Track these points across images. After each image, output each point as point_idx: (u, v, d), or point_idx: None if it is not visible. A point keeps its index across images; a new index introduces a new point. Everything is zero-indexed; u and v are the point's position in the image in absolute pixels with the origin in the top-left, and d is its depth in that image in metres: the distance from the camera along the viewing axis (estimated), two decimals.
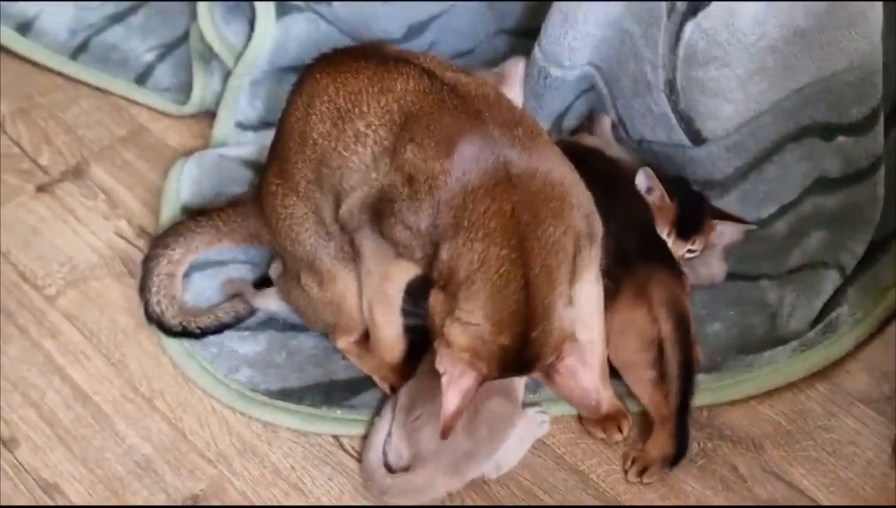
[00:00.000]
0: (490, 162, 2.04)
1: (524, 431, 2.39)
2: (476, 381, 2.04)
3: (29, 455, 2.50)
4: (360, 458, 2.45)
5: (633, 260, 2.43)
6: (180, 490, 2.44)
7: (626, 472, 2.37)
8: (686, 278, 2.49)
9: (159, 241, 2.71)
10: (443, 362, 2.05)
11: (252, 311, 2.67)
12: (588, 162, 2.36)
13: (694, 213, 2.60)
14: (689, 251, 2.58)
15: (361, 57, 2.30)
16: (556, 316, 2.04)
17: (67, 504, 2.43)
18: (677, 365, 2.34)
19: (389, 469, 2.37)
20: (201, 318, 2.64)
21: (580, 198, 2.12)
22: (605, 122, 2.82)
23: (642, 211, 2.58)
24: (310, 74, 2.38)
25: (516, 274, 2.01)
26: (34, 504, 2.42)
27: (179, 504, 2.41)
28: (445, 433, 2.05)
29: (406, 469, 2.35)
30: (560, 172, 2.09)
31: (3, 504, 2.42)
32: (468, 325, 2.05)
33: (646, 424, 2.43)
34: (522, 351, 2.05)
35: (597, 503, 2.35)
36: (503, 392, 2.35)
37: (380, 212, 2.18)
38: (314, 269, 2.44)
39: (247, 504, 2.40)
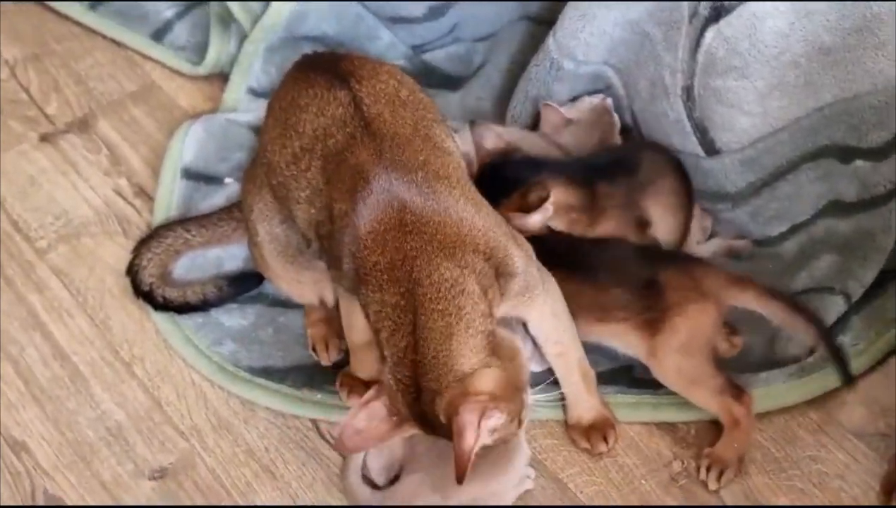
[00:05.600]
0: (383, 207, 2.04)
1: (512, 484, 2.32)
2: (386, 412, 2.06)
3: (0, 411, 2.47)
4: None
5: (659, 277, 2.34)
6: (149, 461, 2.40)
7: (704, 481, 2.30)
8: None
9: (181, 224, 2.68)
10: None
11: (222, 299, 2.61)
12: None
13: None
14: None
15: (320, 68, 2.28)
16: (452, 364, 2.00)
17: (35, 465, 2.40)
18: (785, 306, 2.31)
19: (374, 486, 2.31)
20: (170, 290, 2.59)
21: (482, 240, 2.07)
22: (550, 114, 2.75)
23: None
24: (288, 72, 2.37)
25: (406, 319, 2.01)
26: (3, 465, 2.40)
27: (146, 475, 2.37)
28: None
29: (395, 479, 2.29)
30: (459, 216, 2.06)
31: None
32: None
33: (711, 431, 2.37)
34: (420, 395, 2.02)
35: None
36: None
37: (321, 245, 2.22)
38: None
39: (215, 482, 2.37)
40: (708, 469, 2.30)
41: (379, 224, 2.04)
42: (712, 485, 2.28)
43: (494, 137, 2.55)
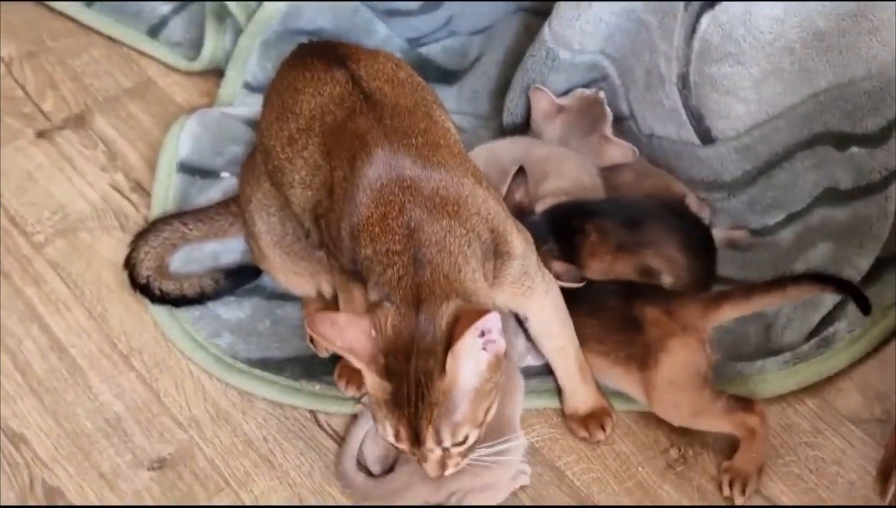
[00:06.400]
0: (383, 167, 2.02)
1: (507, 478, 2.31)
2: (369, 327, 1.94)
3: None
4: (334, 435, 2.41)
5: (638, 313, 2.32)
6: (147, 452, 2.40)
7: (730, 498, 2.27)
8: None
9: (178, 217, 2.69)
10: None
11: (219, 292, 2.62)
12: None
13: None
14: None
15: (317, 53, 2.30)
16: (463, 287, 1.95)
17: (33, 456, 2.40)
18: (763, 293, 2.28)
19: (368, 473, 2.32)
20: (167, 283, 2.60)
21: (483, 209, 2.05)
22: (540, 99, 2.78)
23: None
24: (284, 60, 2.39)
25: (402, 260, 1.96)
26: (2, 457, 2.40)
27: (145, 465, 2.38)
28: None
29: (390, 469, 2.30)
30: (459, 181, 2.04)
31: None
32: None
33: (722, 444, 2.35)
34: (420, 307, 1.93)
35: (569, 501, 2.30)
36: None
37: (318, 229, 2.20)
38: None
39: (214, 472, 2.37)
40: (731, 485, 2.28)
41: (377, 181, 2.02)
42: (738, 500, 2.26)
43: (522, 193, 2.52)
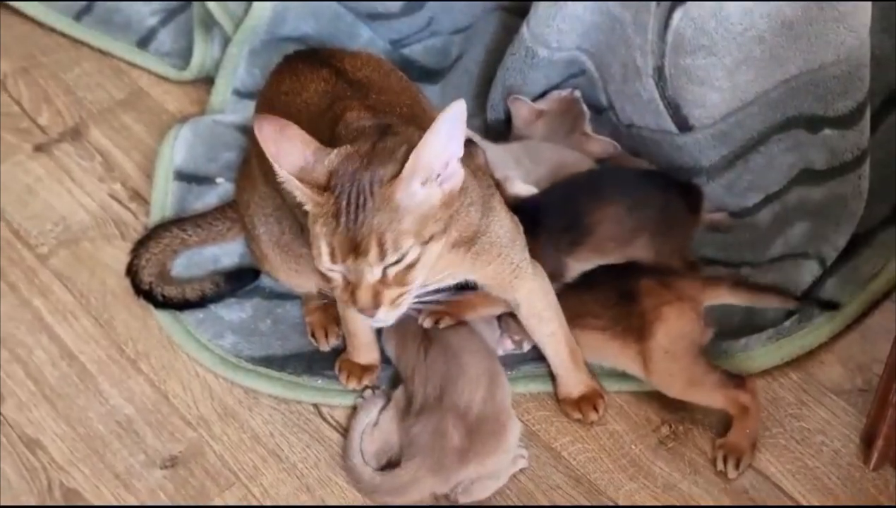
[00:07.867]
0: (363, 119, 2.07)
1: (507, 463, 2.38)
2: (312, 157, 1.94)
3: (13, 411, 2.55)
4: (338, 427, 2.49)
5: (633, 286, 2.41)
6: (159, 451, 2.48)
7: (723, 472, 2.34)
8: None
9: (177, 224, 2.76)
10: None
11: (220, 294, 2.69)
12: None
13: None
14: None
15: (303, 59, 2.39)
16: None
17: (49, 460, 2.47)
18: (752, 290, 2.48)
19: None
20: (169, 288, 2.67)
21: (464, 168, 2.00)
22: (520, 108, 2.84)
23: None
24: (273, 70, 2.47)
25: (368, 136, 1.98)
26: (20, 462, 2.48)
27: (157, 464, 2.46)
28: None
29: (395, 463, 2.35)
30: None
31: None
32: None
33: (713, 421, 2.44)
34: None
35: (567, 480, 2.38)
36: (489, 392, 2.36)
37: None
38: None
39: (224, 467, 2.45)
40: (724, 460, 2.35)
41: (353, 123, 2.05)
42: (732, 474, 2.34)
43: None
